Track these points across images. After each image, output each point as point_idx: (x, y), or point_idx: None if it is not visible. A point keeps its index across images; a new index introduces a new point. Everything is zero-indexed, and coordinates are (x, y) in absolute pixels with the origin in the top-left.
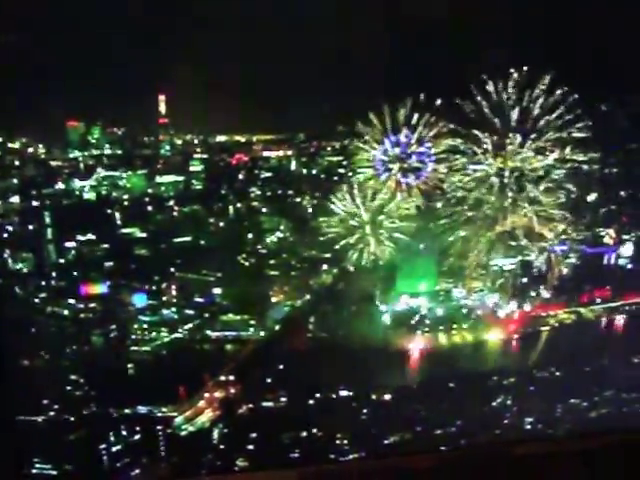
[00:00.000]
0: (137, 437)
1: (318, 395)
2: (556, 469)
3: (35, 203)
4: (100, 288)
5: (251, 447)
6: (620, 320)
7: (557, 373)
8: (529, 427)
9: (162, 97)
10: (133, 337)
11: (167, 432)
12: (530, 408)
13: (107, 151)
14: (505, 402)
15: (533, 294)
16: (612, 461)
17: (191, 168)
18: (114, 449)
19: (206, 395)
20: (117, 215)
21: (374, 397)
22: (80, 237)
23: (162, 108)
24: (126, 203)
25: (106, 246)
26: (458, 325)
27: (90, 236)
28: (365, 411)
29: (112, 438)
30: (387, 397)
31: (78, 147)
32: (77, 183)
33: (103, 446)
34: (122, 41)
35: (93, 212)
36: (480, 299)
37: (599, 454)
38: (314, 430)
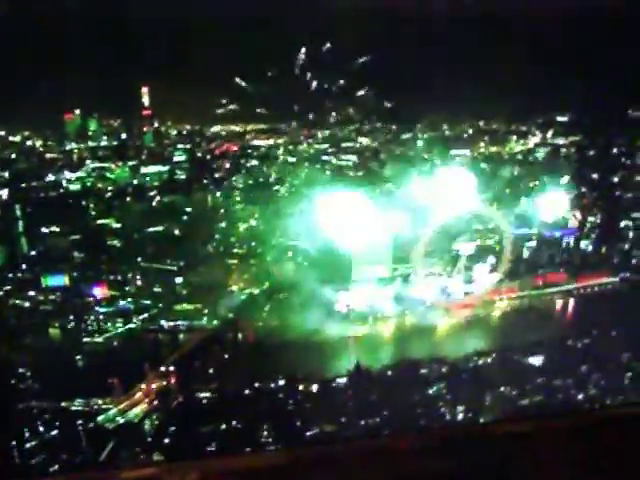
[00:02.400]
0: (55, 432)
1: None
2: (541, 447)
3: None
4: (62, 280)
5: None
6: (572, 303)
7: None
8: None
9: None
10: (89, 329)
11: (95, 425)
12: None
13: (103, 143)
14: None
15: (489, 277)
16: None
17: (175, 158)
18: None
19: (143, 386)
20: (92, 206)
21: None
22: (52, 228)
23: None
24: (109, 194)
25: (76, 237)
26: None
27: (58, 228)
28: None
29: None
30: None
31: (74, 139)
32: (67, 175)
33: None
34: None
35: (72, 204)
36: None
37: (585, 431)
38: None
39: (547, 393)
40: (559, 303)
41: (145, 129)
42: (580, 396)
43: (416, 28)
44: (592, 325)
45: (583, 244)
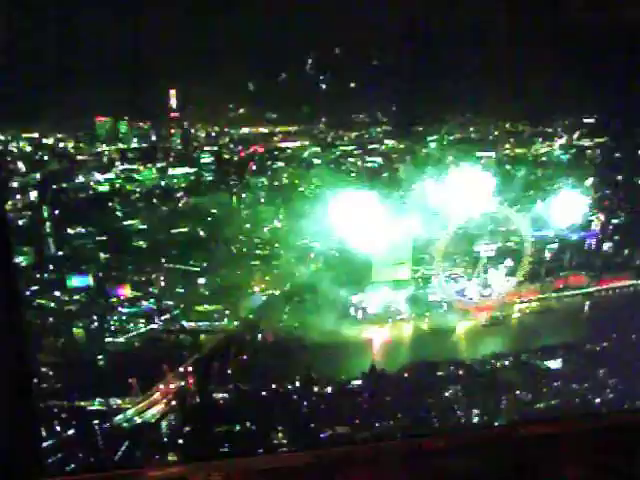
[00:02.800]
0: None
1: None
2: (559, 450)
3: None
4: (86, 280)
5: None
6: (594, 305)
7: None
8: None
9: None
10: (112, 329)
11: (112, 425)
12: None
13: (132, 145)
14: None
15: (509, 280)
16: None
17: (201, 160)
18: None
19: (162, 387)
20: (118, 207)
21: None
22: (78, 229)
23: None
24: (137, 195)
25: (102, 238)
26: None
27: (83, 229)
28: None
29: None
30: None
31: (105, 141)
32: (96, 176)
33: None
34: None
35: (100, 205)
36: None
37: (602, 434)
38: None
39: (565, 396)
40: (580, 306)
41: (172, 131)
42: (598, 400)
43: (443, 27)
44: (613, 328)
45: (605, 246)
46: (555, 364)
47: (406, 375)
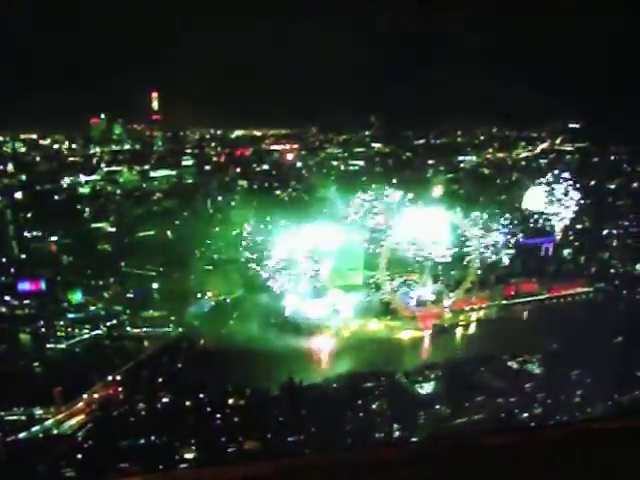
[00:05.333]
0: None
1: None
2: (525, 459)
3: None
4: (39, 285)
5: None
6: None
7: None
8: None
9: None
10: (57, 335)
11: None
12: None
13: (126, 146)
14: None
15: (457, 287)
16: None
17: (183, 163)
18: None
19: (85, 396)
20: (87, 210)
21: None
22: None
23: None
24: (118, 197)
25: (66, 241)
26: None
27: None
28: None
29: None
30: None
31: (98, 143)
32: (82, 178)
33: None
34: None
35: (68, 208)
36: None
37: (565, 443)
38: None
39: (512, 405)
40: (529, 313)
41: (155, 134)
42: (541, 410)
43: (434, 35)
44: (561, 335)
45: (561, 253)
46: (504, 372)
47: (335, 386)
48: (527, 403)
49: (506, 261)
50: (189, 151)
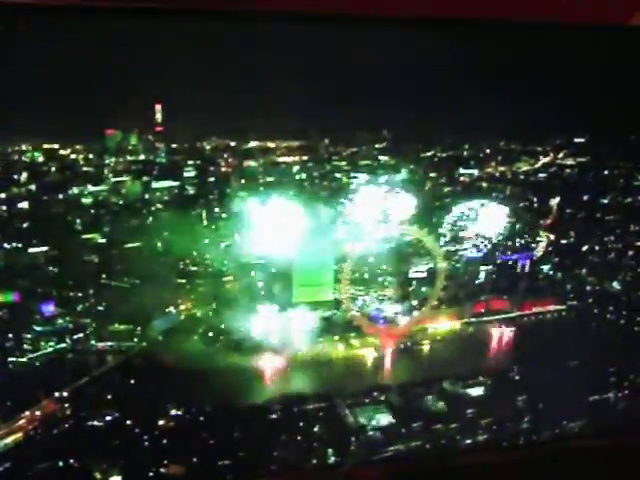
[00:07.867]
0: None
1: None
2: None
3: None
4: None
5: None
6: (515, 331)
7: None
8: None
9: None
10: (23, 347)
11: None
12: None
13: (141, 157)
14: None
15: (424, 303)
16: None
17: (185, 174)
18: None
19: (27, 413)
20: (81, 221)
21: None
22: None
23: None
24: (117, 208)
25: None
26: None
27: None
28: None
29: None
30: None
31: (114, 154)
32: (89, 188)
33: None
34: None
35: (55, 218)
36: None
37: (539, 463)
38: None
39: (484, 426)
40: (500, 332)
41: (160, 145)
42: (518, 429)
43: (433, 44)
44: (533, 355)
45: (539, 269)
46: (469, 392)
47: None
48: (469, 428)
49: (481, 277)
50: (193, 162)
